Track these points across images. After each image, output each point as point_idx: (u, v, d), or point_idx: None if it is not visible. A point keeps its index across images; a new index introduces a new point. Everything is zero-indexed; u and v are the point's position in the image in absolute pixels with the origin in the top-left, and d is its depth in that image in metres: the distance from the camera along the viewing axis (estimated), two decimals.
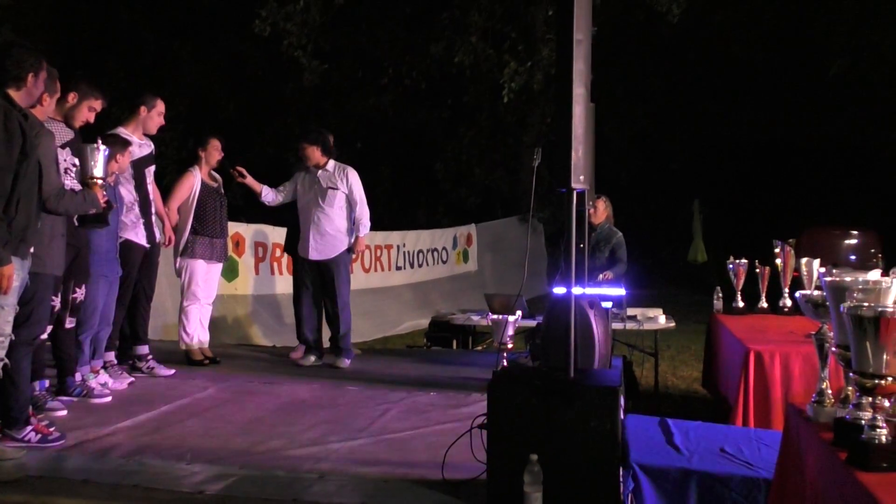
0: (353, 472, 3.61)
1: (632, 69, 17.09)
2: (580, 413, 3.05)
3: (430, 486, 3.40)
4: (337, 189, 6.31)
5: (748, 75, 17.20)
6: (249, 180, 6.42)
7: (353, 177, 6.40)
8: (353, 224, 6.41)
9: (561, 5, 3.28)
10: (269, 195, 6.50)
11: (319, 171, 6.36)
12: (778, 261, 5.97)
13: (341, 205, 6.34)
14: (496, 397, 3.18)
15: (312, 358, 6.45)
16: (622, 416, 4.24)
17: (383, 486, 3.42)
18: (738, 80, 17.30)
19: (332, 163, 6.40)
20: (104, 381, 5.12)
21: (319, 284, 6.41)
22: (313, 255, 6.32)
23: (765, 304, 6.05)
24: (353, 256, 6.74)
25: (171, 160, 12.53)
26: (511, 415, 3.14)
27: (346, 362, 6.32)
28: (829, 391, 2.46)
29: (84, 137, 4.65)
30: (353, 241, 6.42)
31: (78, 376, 5.00)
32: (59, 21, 14.45)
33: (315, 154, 6.33)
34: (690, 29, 14.80)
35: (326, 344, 6.60)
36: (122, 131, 5.51)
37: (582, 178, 3.25)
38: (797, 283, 5.81)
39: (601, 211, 6.76)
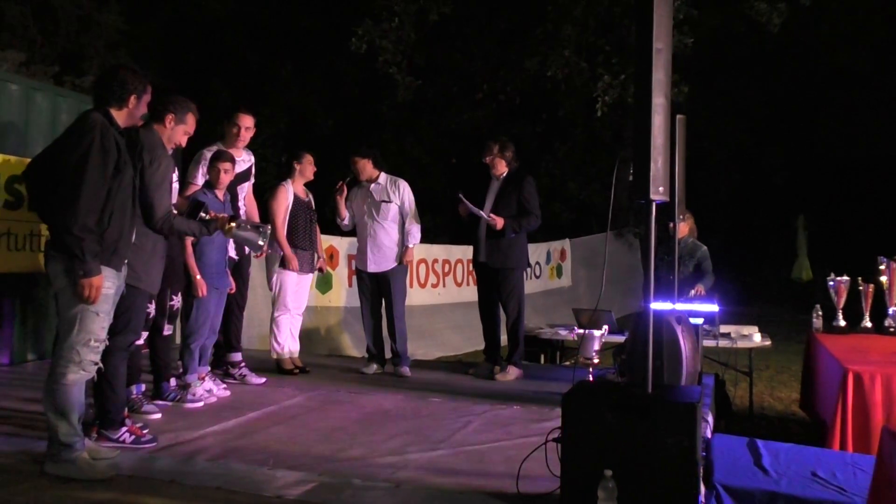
0: (428, 482, 3.61)
1: (732, 81, 16.62)
2: (656, 429, 2.95)
3: (504, 499, 3.37)
4: (390, 202, 6.43)
5: (854, 87, 16.47)
6: (341, 201, 6.53)
7: (406, 188, 6.51)
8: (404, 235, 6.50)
9: (640, 15, 3.23)
10: (346, 219, 6.61)
11: (372, 185, 6.48)
12: (883, 278, 5.71)
13: (395, 217, 6.45)
14: (570, 411, 3.13)
15: (374, 366, 6.55)
16: (707, 435, 4.12)
17: (457, 498, 3.40)
18: (843, 92, 16.59)
19: (383, 175, 6.52)
20: (209, 388, 5.29)
21: (378, 295, 6.55)
22: (371, 267, 6.45)
23: (868, 324, 5.79)
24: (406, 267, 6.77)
25: (271, 175, 12.92)
26: (585, 429, 3.08)
27: (406, 370, 6.43)
28: None
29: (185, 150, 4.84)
30: (402, 251, 6.49)
31: (173, 382, 5.20)
32: (169, 44, 15.17)
33: (367, 168, 6.46)
34: (793, 39, 14.28)
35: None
36: (220, 146, 5.67)
37: (661, 189, 3.17)
38: None
39: (682, 225, 6.60)
